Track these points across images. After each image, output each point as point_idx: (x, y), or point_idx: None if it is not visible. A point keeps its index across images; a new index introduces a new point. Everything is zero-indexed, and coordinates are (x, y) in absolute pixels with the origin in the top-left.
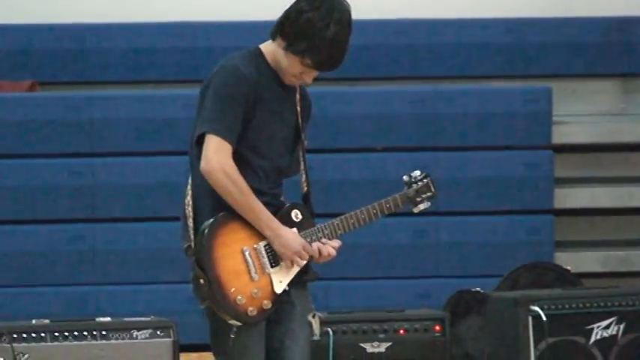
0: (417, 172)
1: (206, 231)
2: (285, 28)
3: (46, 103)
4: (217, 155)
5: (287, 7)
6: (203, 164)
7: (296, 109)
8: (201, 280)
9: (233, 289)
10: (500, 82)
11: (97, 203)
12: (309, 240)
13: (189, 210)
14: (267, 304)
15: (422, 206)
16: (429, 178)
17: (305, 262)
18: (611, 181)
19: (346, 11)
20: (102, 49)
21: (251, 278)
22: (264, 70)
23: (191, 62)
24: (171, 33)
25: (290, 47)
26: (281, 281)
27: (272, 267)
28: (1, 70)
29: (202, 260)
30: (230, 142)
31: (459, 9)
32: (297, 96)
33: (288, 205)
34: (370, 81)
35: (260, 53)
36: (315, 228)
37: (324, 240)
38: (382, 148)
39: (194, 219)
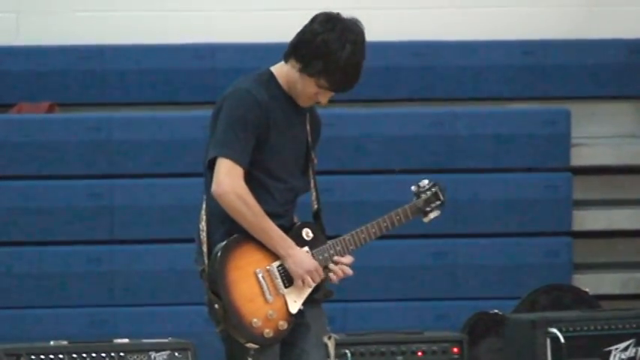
0: (425, 182)
1: (218, 254)
2: (299, 49)
3: (65, 125)
4: (228, 178)
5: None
6: (214, 187)
7: (306, 129)
8: (216, 305)
9: (248, 313)
10: (519, 104)
11: (116, 225)
12: (321, 258)
13: (203, 235)
14: (282, 324)
15: (432, 215)
16: (437, 187)
17: (316, 282)
18: (629, 204)
19: (360, 32)
20: (121, 70)
21: (265, 300)
22: (276, 93)
23: (210, 84)
24: (190, 54)
25: (305, 69)
26: (295, 301)
27: (286, 287)
28: (20, 91)
29: (216, 285)
30: (241, 166)
31: (478, 31)
32: (307, 115)
33: (298, 223)
34: (389, 103)
35: (272, 76)
36: (327, 245)
37: (336, 258)
38: (400, 170)
39: (208, 243)
